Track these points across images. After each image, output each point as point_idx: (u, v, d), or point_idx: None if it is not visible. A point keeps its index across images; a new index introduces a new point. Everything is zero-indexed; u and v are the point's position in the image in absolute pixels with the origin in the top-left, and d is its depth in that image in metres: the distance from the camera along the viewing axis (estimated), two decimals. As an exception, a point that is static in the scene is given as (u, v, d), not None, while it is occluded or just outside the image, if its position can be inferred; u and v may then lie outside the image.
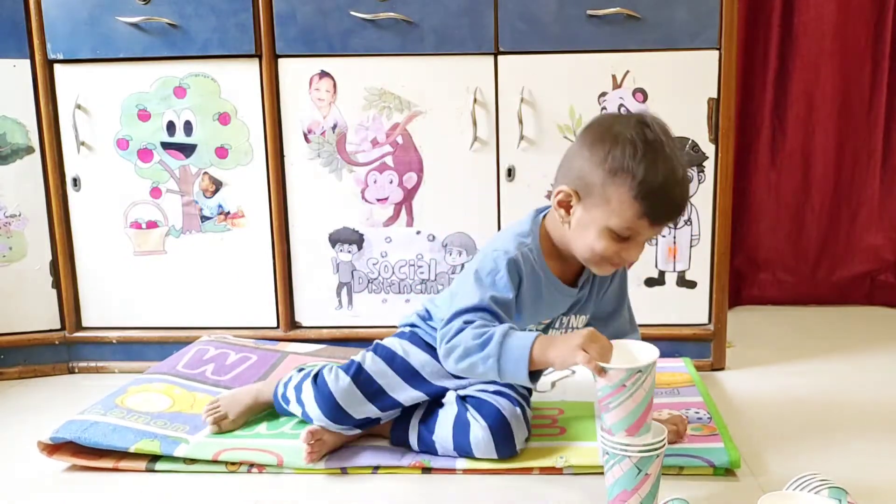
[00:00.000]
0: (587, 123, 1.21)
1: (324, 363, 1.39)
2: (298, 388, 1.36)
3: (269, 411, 1.46)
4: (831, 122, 2.22)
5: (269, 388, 1.44)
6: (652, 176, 1.09)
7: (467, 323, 1.17)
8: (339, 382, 1.29)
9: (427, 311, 1.39)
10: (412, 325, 1.39)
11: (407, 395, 1.31)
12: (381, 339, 1.39)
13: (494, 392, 1.31)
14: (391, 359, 1.33)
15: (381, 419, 1.31)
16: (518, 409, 1.29)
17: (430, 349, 1.33)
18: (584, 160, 1.15)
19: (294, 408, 1.38)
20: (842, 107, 2.22)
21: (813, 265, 2.31)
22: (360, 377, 1.29)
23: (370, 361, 1.32)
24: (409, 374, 1.32)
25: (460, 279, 1.33)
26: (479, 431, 1.26)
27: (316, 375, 1.32)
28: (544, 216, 1.29)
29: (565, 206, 1.19)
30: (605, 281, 1.35)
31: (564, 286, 1.28)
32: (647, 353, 1.09)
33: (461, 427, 1.27)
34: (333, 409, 1.28)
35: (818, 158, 2.25)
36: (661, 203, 1.12)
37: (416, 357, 1.34)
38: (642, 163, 1.09)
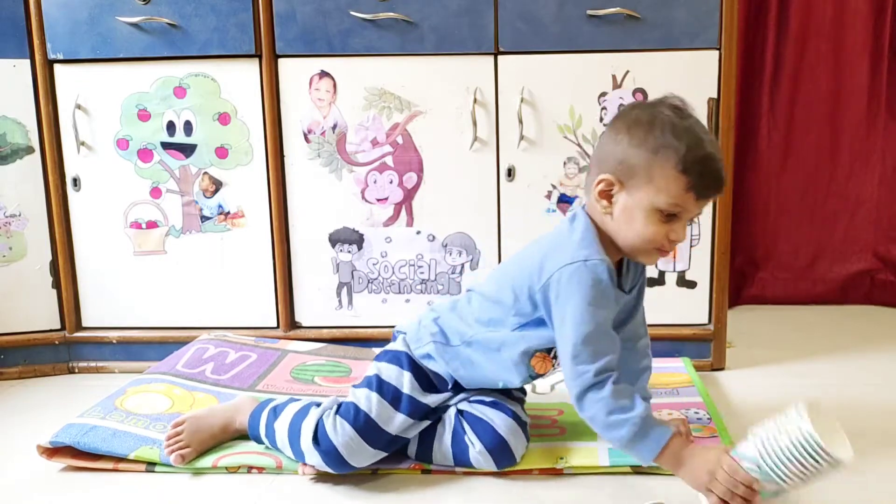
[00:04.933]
0: (616, 114, 1.23)
1: (310, 401, 1.29)
2: (294, 441, 1.25)
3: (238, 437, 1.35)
4: (831, 121, 2.23)
5: (242, 417, 1.34)
6: (695, 149, 1.11)
7: (601, 373, 1.11)
8: (342, 436, 1.20)
9: (442, 331, 1.28)
10: (426, 357, 1.28)
11: (415, 429, 1.27)
12: (380, 369, 1.28)
13: (490, 404, 1.28)
14: (398, 400, 1.24)
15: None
16: (515, 423, 1.26)
17: (441, 381, 1.28)
18: (622, 145, 1.15)
19: (285, 449, 1.27)
20: (841, 106, 2.22)
21: (812, 264, 2.31)
22: (366, 427, 1.21)
23: (377, 406, 1.22)
24: (419, 412, 1.26)
25: (501, 286, 1.25)
26: (478, 455, 1.24)
27: (315, 433, 1.21)
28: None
29: (607, 195, 1.17)
30: (638, 281, 1.32)
31: (621, 292, 1.25)
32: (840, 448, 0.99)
33: (460, 449, 1.26)
34: (341, 464, 1.21)
35: (818, 158, 2.25)
36: (706, 174, 1.13)
37: (429, 398, 1.26)
38: (684, 138, 1.11)
